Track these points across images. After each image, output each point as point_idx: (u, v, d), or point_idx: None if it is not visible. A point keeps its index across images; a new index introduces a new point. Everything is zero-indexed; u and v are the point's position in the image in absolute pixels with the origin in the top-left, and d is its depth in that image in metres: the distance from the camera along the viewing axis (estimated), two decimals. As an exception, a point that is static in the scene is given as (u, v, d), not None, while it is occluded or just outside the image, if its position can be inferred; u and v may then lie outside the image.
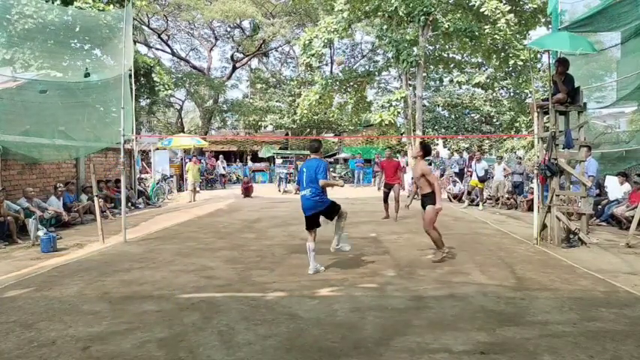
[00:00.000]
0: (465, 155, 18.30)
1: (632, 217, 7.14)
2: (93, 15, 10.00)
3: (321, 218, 5.45)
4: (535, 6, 16.08)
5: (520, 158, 15.10)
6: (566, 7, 7.16)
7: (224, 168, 22.38)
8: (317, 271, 5.40)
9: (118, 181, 11.19)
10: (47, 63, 9.11)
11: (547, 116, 7.33)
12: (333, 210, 5.42)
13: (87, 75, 9.21)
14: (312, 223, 5.42)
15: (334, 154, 26.94)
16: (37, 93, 8.87)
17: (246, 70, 33.77)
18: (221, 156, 23.82)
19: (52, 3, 10.24)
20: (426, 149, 6.28)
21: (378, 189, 17.47)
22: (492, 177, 12.92)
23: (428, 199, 6.03)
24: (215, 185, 20.63)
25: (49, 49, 9.26)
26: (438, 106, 28.02)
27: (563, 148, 7.16)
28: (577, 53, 7.15)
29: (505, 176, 12.81)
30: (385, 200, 10.20)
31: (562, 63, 7.14)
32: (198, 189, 15.75)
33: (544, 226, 7.16)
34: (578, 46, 6.54)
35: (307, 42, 18.43)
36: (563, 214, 6.93)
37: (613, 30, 7.73)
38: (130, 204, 11.87)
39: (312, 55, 18.40)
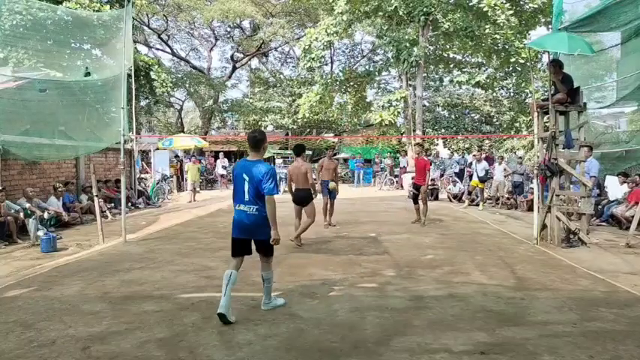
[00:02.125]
0: (467, 156, 18.28)
1: (632, 217, 7.14)
2: (88, 15, 9.99)
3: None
4: (535, 6, 16.10)
5: (521, 158, 15.11)
6: (566, 7, 7.14)
7: (224, 167, 20.50)
8: (227, 318, 3.71)
9: (118, 181, 11.19)
10: (42, 62, 9.09)
11: (547, 116, 7.33)
12: (270, 245, 3.98)
13: (87, 74, 9.20)
14: (242, 249, 4.00)
15: (334, 154, 26.89)
16: (36, 93, 8.87)
17: (246, 70, 33.79)
18: (221, 154, 22.55)
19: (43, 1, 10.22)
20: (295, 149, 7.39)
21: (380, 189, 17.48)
22: (493, 177, 12.92)
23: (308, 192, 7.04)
24: (215, 185, 20.60)
25: (47, 49, 9.25)
26: (438, 106, 28.02)
27: (563, 148, 7.16)
28: (575, 54, 7.15)
29: (505, 176, 12.81)
30: (416, 201, 9.50)
31: (555, 64, 7.14)
32: (198, 189, 15.75)
33: (544, 226, 7.16)
34: (576, 47, 6.54)
35: (307, 46, 18.48)
36: (563, 214, 6.93)
37: (613, 30, 7.73)
38: (130, 204, 11.87)
39: (313, 58, 18.45)
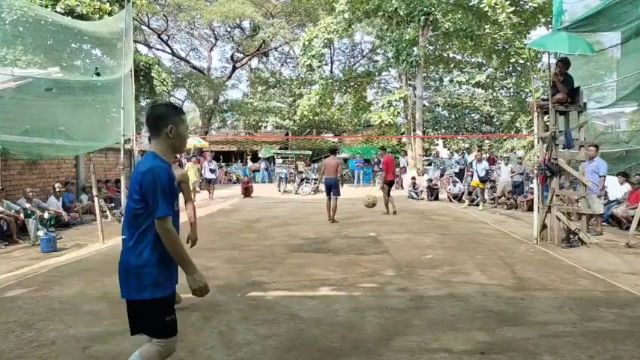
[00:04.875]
0: (467, 157, 18.28)
1: (632, 217, 7.15)
2: (91, 16, 10.02)
3: None
4: (535, 5, 16.09)
5: (520, 158, 15.12)
6: (566, 7, 7.14)
7: (212, 171, 15.79)
8: None
9: (118, 181, 11.18)
10: (42, 61, 9.10)
11: (547, 116, 7.34)
12: (161, 316, 2.27)
13: (97, 74, 9.21)
14: (136, 319, 2.29)
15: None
16: (36, 93, 8.88)
17: (246, 70, 33.80)
18: (208, 154, 18.41)
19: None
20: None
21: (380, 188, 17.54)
22: (499, 177, 12.90)
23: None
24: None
25: (47, 48, 9.26)
26: (438, 106, 28.05)
27: (563, 148, 7.16)
28: (576, 54, 7.16)
29: (511, 177, 12.78)
30: (389, 194, 11.03)
31: (564, 63, 7.14)
32: (197, 189, 15.73)
33: (544, 226, 7.16)
34: (577, 47, 6.55)
35: (307, 42, 18.48)
36: (563, 214, 6.93)
37: (613, 30, 7.73)
38: (130, 204, 11.84)
39: (313, 55, 18.44)
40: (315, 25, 19.91)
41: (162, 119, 2.26)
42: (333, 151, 10.72)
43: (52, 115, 9.28)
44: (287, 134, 29.03)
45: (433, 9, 16.83)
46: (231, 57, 31.45)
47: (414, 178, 15.79)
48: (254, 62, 33.18)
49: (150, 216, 2.19)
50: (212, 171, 15.89)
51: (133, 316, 2.29)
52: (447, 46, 20.46)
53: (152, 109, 2.34)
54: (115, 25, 9.29)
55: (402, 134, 21.78)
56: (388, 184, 11.01)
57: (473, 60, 21.99)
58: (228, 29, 30.45)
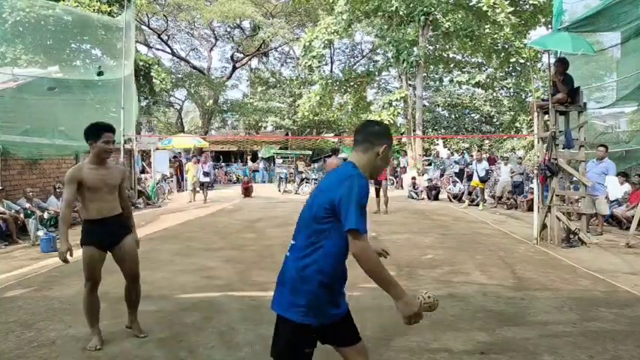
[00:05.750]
0: (467, 156, 18.27)
1: (632, 217, 7.14)
2: (91, 16, 10.01)
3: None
4: (536, 3, 16.08)
5: (520, 158, 15.12)
6: (566, 7, 7.15)
7: (206, 174, 14.64)
8: None
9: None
10: (42, 61, 9.11)
11: (547, 116, 7.34)
12: (299, 345, 2.04)
13: (100, 73, 9.21)
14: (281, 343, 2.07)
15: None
16: (37, 92, 8.89)
17: (246, 70, 33.78)
18: (204, 155, 16.80)
19: None
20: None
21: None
22: (499, 177, 12.89)
23: (125, 221, 3.62)
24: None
25: (47, 48, 9.27)
26: (438, 106, 28.06)
27: (563, 148, 7.16)
28: (579, 54, 7.17)
29: (511, 177, 12.79)
30: (377, 194, 11.37)
31: (562, 63, 7.15)
32: (198, 189, 15.75)
33: (544, 226, 7.16)
34: (580, 47, 6.56)
35: (308, 44, 18.49)
36: (563, 214, 6.93)
37: (613, 30, 7.74)
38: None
39: (314, 56, 18.45)
40: (316, 26, 19.91)
41: (381, 136, 2.09)
42: (335, 151, 11.10)
43: (52, 115, 9.30)
44: (287, 134, 29.01)
45: (433, 9, 16.83)
46: (231, 57, 31.43)
47: (414, 178, 15.78)
48: (254, 62, 33.16)
49: (332, 232, 1.94)
50: (206, 174, 14.69)
51: (276, 340, 2.07)
52: (447, 46, 20.46)
53: (372, 123, 2.18)
54: (116, 24, 9.30)
55: (402, 134, 21.77)
56: (377, 184, 11.22)
57: (473, 60, 21.99)
58: (228, 29, 30.42)
